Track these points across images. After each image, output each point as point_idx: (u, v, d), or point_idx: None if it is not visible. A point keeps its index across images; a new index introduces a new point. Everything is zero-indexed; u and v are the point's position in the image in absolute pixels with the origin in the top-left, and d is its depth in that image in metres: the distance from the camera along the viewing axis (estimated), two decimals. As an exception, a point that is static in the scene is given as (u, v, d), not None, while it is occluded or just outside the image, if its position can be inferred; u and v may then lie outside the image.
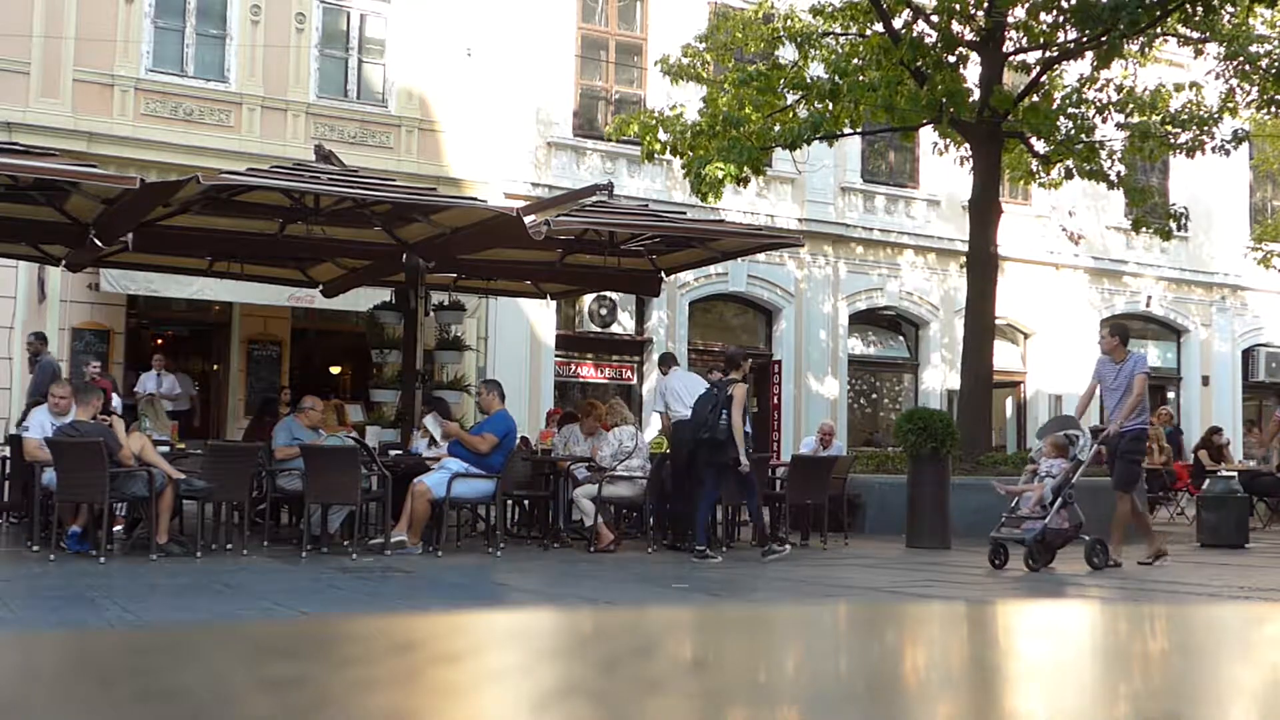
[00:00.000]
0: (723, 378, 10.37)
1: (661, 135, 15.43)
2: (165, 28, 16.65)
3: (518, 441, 11.30)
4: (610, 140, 18.09)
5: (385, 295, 13.33)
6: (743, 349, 12.26)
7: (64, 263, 12.68)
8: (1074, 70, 16.72)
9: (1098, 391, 10.10)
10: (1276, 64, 15.51)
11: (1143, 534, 10.13)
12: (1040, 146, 15.64)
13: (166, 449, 10.52)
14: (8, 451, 11.47)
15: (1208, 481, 13.20)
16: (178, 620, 6.37)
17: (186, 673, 0.74)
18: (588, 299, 18.66)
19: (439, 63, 17.82)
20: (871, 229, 21.46)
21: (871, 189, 21.74)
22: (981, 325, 14.76)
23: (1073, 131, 15.38)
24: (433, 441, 10.94)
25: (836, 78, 14.31)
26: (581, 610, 4.20)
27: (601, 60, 19.80)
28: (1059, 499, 9.25)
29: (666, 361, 12.25)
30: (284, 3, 17.12)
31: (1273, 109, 16.66)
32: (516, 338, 18.26)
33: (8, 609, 6.58)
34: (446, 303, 13.79)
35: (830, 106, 14.56)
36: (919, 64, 14.01)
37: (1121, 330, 10.33)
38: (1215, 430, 18.98)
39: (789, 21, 15.74)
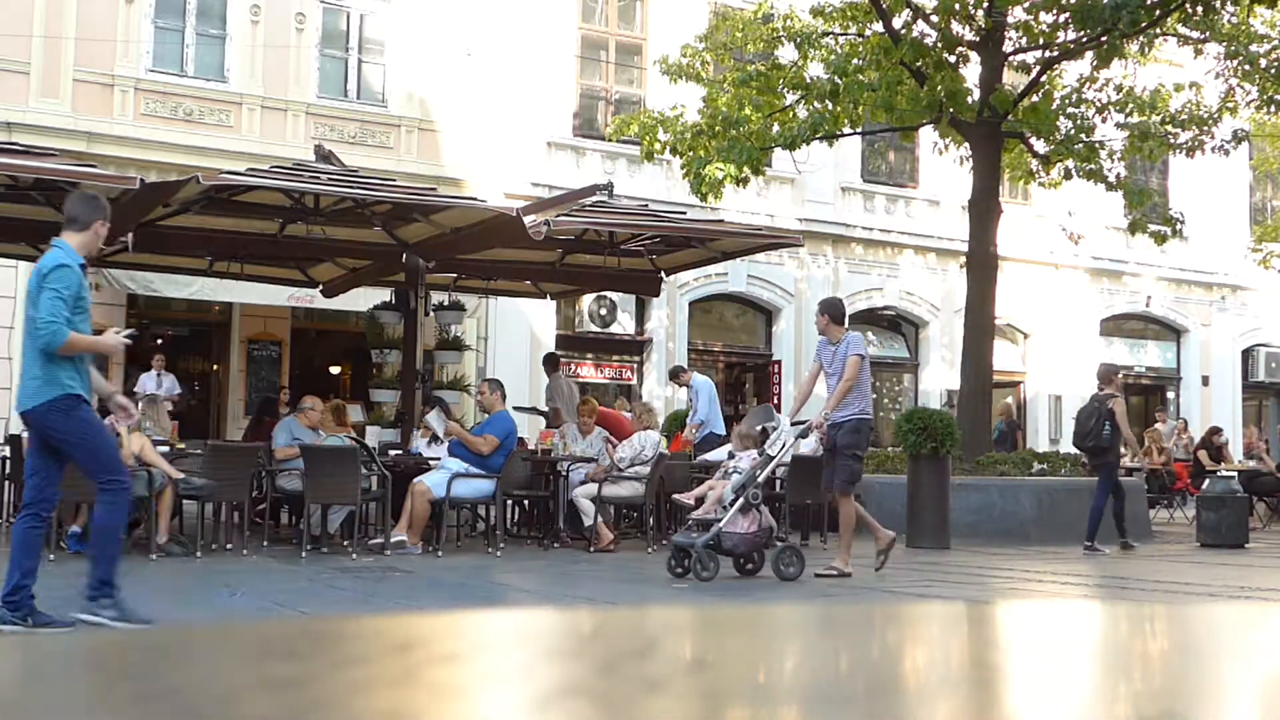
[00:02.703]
0: (1098, 392, 11.85)
1: (661, 135, 15.43)
2: (165, 28, 16.65)
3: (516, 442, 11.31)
4: (610, 140, 18.09)
5: (385, 295, 13.33)
6: (1112, 365, 13.04)
7: (64, 263, 12.66)
8: (1074, 70, 16.72)
9: (821, 376, 9.13)
10: (1276, 64, 15.50)
11: (871, 532, 9.05)
12: (1040, 146, 15.64)
13: (166, 449, 10.50)
14: (8, 451, 11.46)
15: (1208, 481, 13.20)
16: (177, 620, 6.37)
17: (186, 673, 0.74)
18: (588, 299, 18.66)
19: (439, 63, 17.81)
20: (871, 229, 21.46)
21: (871, 189, 21.74)
22: (981, 325, 14.75)
23: (1073, 131, 15.37)
24: (434, 440, 10.94)
25: (836, 78, 14.31)
26: (581, 610, 4.20)
27: (601, 60, 19.81)
28: (739, 499, 8.17)
29: (679, 373, 12.50)
30: (284, 3, 17.12)
31: (1273, 109, 16.66)
32: (516, 338, 18.26)
33: (8, 609, 6.57)
34: (446, 303, 13.79)
35: (830, 106, 14.55)
36: (919, 64, 14.00)
37: (833, 308, 9.12)
38: (1215, 430, 18.99)
39: (789, 22, 15.74)
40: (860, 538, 12.19)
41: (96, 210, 5.80)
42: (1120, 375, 13.14)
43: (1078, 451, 12.87)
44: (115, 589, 5.57)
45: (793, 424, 8.89)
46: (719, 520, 8.11)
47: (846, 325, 9.08)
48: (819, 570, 8.44)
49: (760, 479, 8.31)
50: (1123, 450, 12.24)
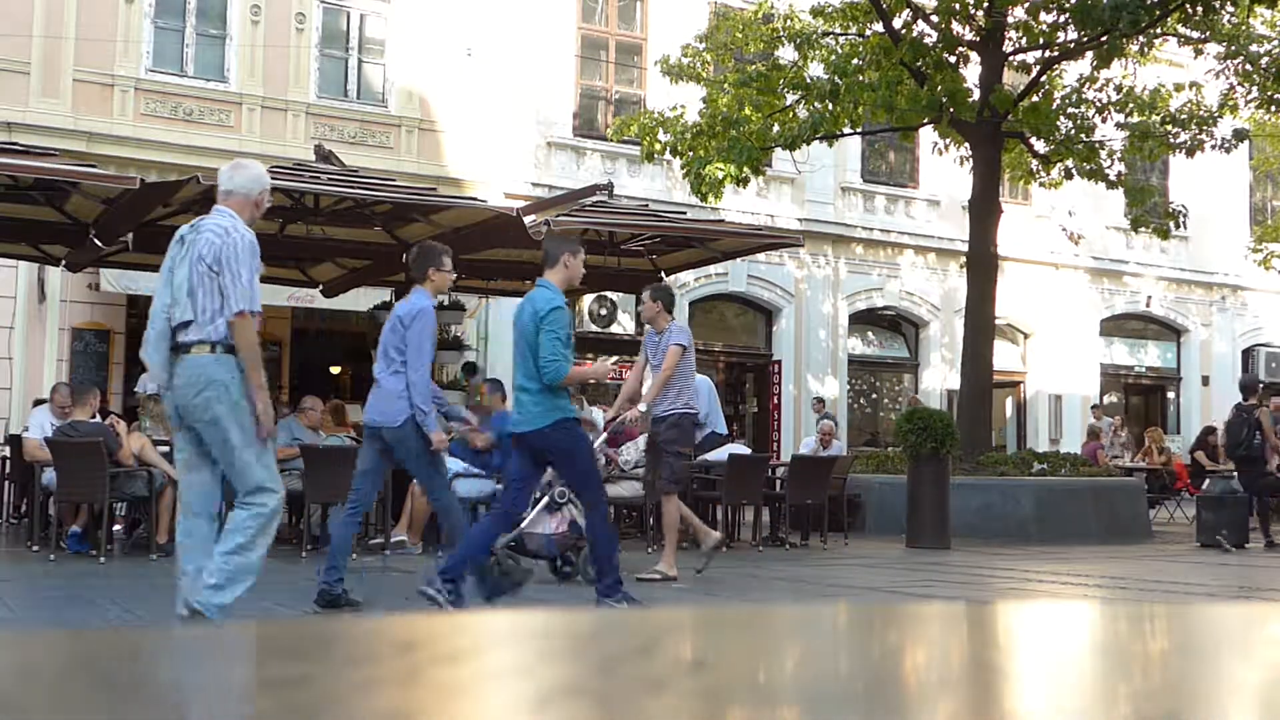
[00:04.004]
0: (1243, 403, 12.55)
1: (662, 136, 15.43)
2: (165, 28, 16.64)
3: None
4: (610, 140, 18.09)
5: (385, 295, 13.33)
6: (1254, 376, 13.61)
7: (64, 263, 12.68)
8: (1074, 70, 16.72)
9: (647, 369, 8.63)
10: (1277, 64, 15.50)
11: (694, 533, 8.75)
12: (1040, 146, 15.64)
13: (166, 449, 10.50)
14: (8, 451, 11.47)
15: (1208, 481, 13.20)
16: (177, 620, 6.37)
17: (186, 673, 0.74)
18: (588, 299, 18.66)
19: (439, 63, 17.81)
20: (871, 229, 21.47)
21: (871, 189, 21.74)
22: (981, 325, 14.75)
23: (1073, 131, 15.38)
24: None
25: (836, 78, 14.31)
26: (581, 610, 4.20)
27: (601, 60, 19.81)
28: (544, 498, 7.82)
29: None
30: (284, 3, 17.12)
31: (1273, 108, 16.66)
32: (516, 338, 18.24)
33: (8, 609, 6.59)
34: (446, 303, 13.78)
35: (830, 106, 14.55)
36: (919, 64, 14.01)
37: (665, 294, 8.61)
38: (1210, 430, 18.97)
39: (789, 22, 15.74)
40: (866, 537, 12.22)
41: (566, 246, 6.56)
42: (1262, 386, 14.11)
43: (1230, 461, 13.37)
44: (619, 584, 6.25)
45: (611, 420, 8.46)
46: (522, 521, 7.69)
47: (673, 315, 8.67)
48: (640, 574, 7.93)
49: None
50: (1273, 458, 12.87)
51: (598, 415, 8.39)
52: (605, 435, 8.45)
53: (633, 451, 10.93)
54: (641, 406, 8.21)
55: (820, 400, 19.33)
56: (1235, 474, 13.52)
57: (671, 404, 8.28)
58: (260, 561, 5.26)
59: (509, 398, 11.22)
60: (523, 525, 7.60)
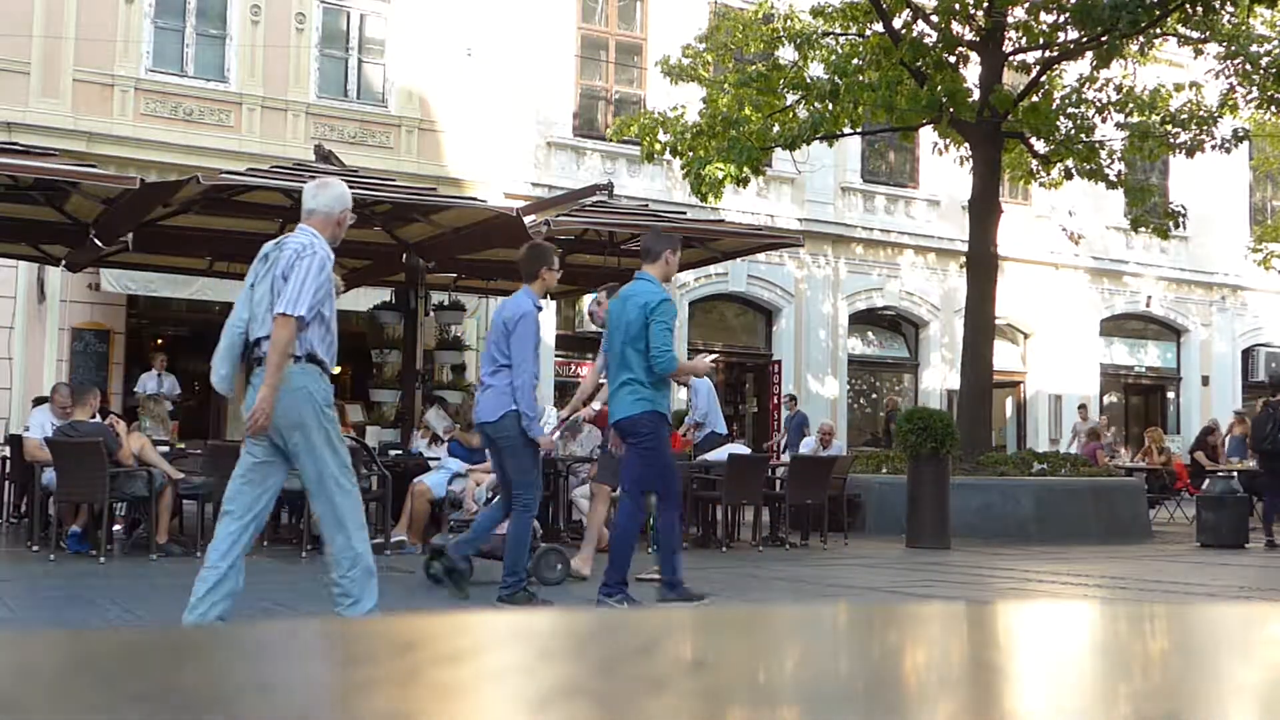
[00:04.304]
0: (1271, 399, 12.73)
1: (662, 136, 15.43)
2: (165, 28, 16.65)
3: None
4: (610, 140, 18.09)
5: (385, 295, 13.33)
6: None
7: (64, 263, 12.68)
8: (1074, 70, 16.72)
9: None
10: (1277, 64, 15.50)
11: (585, 543, 8.51)
12: (1040, 146, 15.64)
13: (166, 449, 10.52)
14: (8, 451, 11.47)
15: (1207, 481, 13.20)
16: (177, 620, 6.37)
17: (186, 673, 0.74)
18: (587, 299, 18.64)
19: (439, 63, 17.82)
20: (871, 229, 21.47)
21: (871, 189, 21.74)
22: (981, 325, 14.75)
23: (1073, 131, 15.38)
24: (434, 440, 10.93)
25: (836, 78, 14.31)
26: (581, 610, 4.20)
27: (601, 60, 19.81)
28: (495, 497, 7.70)
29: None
30: (284, 3, 17.12)
31: (1273, 108, 16.66)
32: (516, 338, 18.24)
33: (8, 609, 6.59)
34: (446, 303, 13.79)
35: (830, 106, 14.55)
36: (919, 64, 14.01)
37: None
38: (1209, 430, 18.98)
39: (789, 22, 15.74)
40: (866, 537, 12.22)
41: (667, 242, 6.73)
42: None
43: (1256, 456, 13.52)
44: (680, 583, 6.41)
45: (566, 418, 8.24)
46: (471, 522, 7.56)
47: None
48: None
49: None
50: None
51: (552, 414, 8.28)
52: (560, 432, 8.27)
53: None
54: (596, 405, 8.03)
55: (793, 398, 19.33)
56: (1256, 469, 13.61)
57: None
58: (369, 556, 5.31)
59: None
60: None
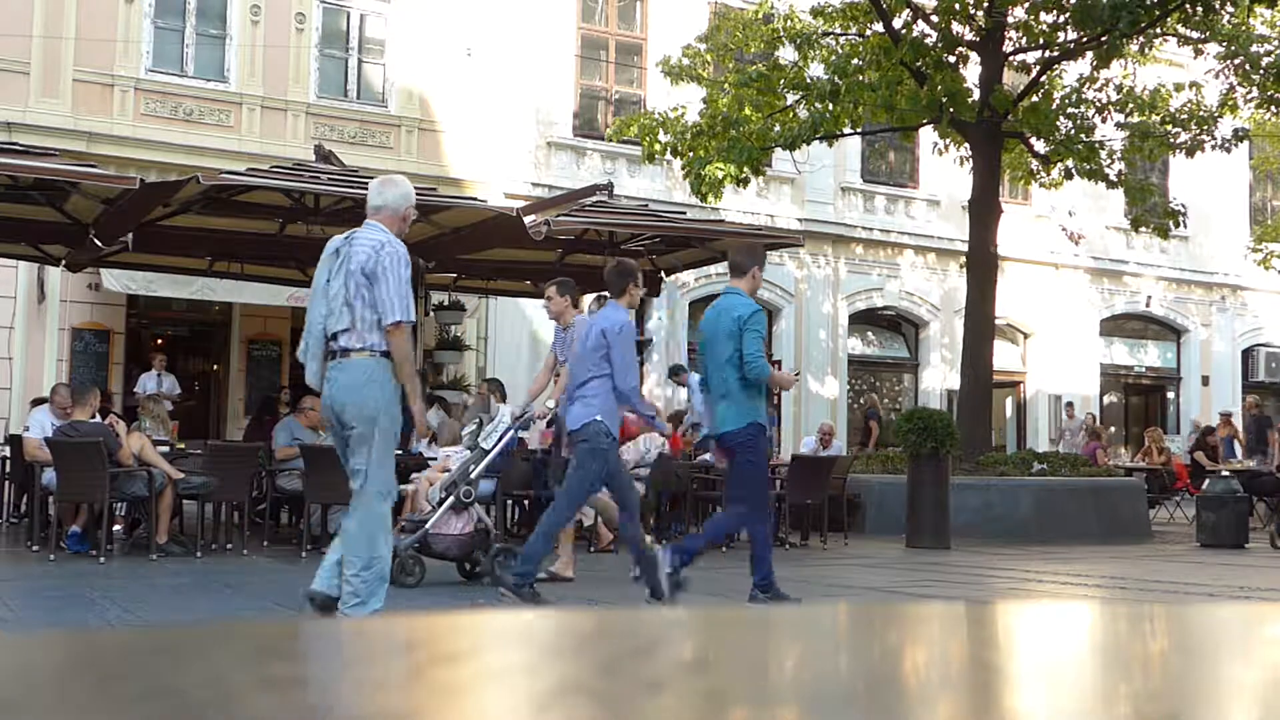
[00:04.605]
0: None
1: (662, 136, 15.43)
2: (165, 28, 16.65)
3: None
4: (610, 141, 18.09)
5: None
6: None
7: (64, 263, 12.68)
8: (1074, 70, 16.72)
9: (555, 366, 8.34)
10: (1277, 64, 15.50)
11: (558, 548, 8.33)
12: (1040, 146, 15.64)
13: (166, 449, 10.51)
14: (8, 451, 11.47)
15: (1208, 481, 13.21)
16: (178, 620, 6.37)
17: (186, 673, 0.74)
18: (588, 299, 18.63)
19: (439, 63, 17.82)
20: (871, 229, 21.47)
21: (871, 189, 21.74)
22: (981, 325, 14.75)
23: (1073, 131, 15.38)
24: (434, 440, 10.93)
25: (836, 78, 14.31)
26: (581, 610, 4.20)
27: (601, 60, 19.81)
28: (449, 497, 7.63)
29: (679, 371, 12.45)
30: (284, 3, 17.12)
31: (1273, 108, 16.65)
32: (516, 338, 18.26)
33: (8, 609, 6.59)
34: (446, 303, 13.79)
35: (830, 106, 14.55)
36: (919, 64, 14.01)
37: (571, 289, 8.42)
38: (1209, 430, 18.98)
39: (789, 22, 15.74)
40: (866, 537, 12.21)
41: (755, 258, 6.98)
42: None
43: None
44: (772, 587, 6.69)
45: (518, 416, 8.18)
46: (426, 521, 7.50)
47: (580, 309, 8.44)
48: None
49: (474, 475, 7.74)
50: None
51: (506, 411, 8.20)
52: (514, 430, 8.15)
53: (632, 452, 10.93)
54: (550, 403, 7.99)
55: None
56: (1256, 469, 13.66)
57: None
58: (388, 563, 5.49)
59: (508, 398, 11.26)
60: (427, 526, 7.50)
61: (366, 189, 10.36)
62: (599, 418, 6.69)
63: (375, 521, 5.42)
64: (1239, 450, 19.40)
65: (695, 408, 13.60)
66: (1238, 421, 20.37)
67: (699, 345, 6.99)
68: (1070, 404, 21.33)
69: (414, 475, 10.21)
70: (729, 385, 6.62)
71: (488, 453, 7.84)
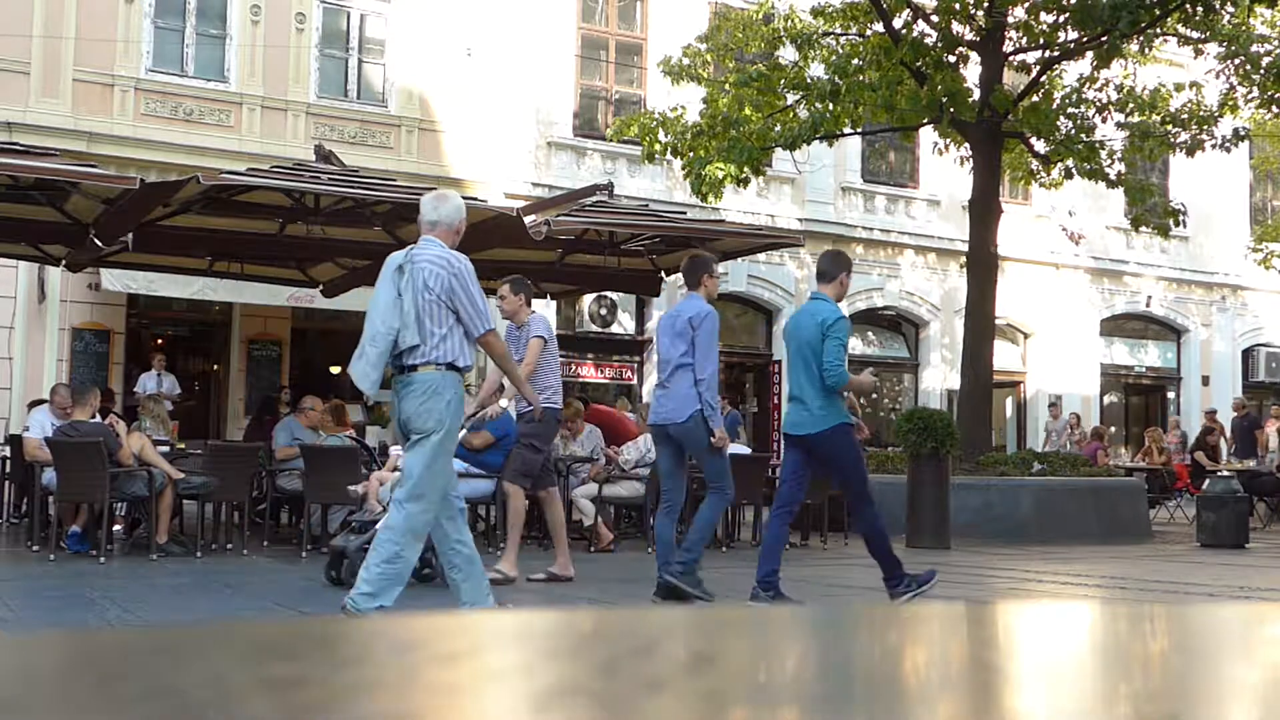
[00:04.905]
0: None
1: (662, 136, 15.43)
2: (165, 28, 16.65)
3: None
4: (610, 141, 18.10)
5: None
6: None
7: (64, 263, 12.68)
8: (1074, 70, 16.72)
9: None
10: (1277, 64, 15.50)
11: (515, 537, 8.25)
12: (1040, 146, 15.64)
13: (166, 449, 10.51)
14: (8, 451, 11.47)
15: (1208, 481, 13.21)
16: (178, 620, 6.37)
17: (186, 673, 0.74)
18: (588, 299, 18.65)
19: (439, 63, 17.82)
20: (871, 229, 21.47)
21: (871, 189, 21.74)
22: (981, 325, 14.75)
23: (1073, 131, 15.37)
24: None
25: (837, 78, 14.31)
26: (581, 610, 4.20)
27: (601, 60, 19.81)
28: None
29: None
30: (284, 3, 17.12)
31: (1273, 108, 16.66)
32: (516, 338, 18.25)
33: (8, 609, 6.59)
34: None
35: (830, 107, 14.55)
36: (919, 64, 14.01)
37: (525, 286, 8.24)
38: (1209, 431, 18.98)
39: (789, 22, 15.74)
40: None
41: (842, 265, 7.13)
42: None
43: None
44: (904, 575, 6.97)
45: (470, 415, 7.96)
46: (377, 521, 7.24)
47: (533, 308, 8.25)
48: (529, 575, 7.70)
49: None
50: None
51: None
52: (466, 427, 7.83)
53: (633, 451, 10.94)
54: (504, 402, 7.93)
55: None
56: (1256, 469, 13.64)
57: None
58: (410, 566, 5.67)
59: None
60: (378, 526, 6.95)
61: (367, 189, 10.43)
62: (699, 407, 6.88)
63: (412, 522, 5.58)
64: (1224, 450, 19.46)
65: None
66: (1224, 419, 20.39)
67: (785, 346, 7.25)
68: (1053, 404, 21.31)
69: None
70: (812, 388, 6.79)
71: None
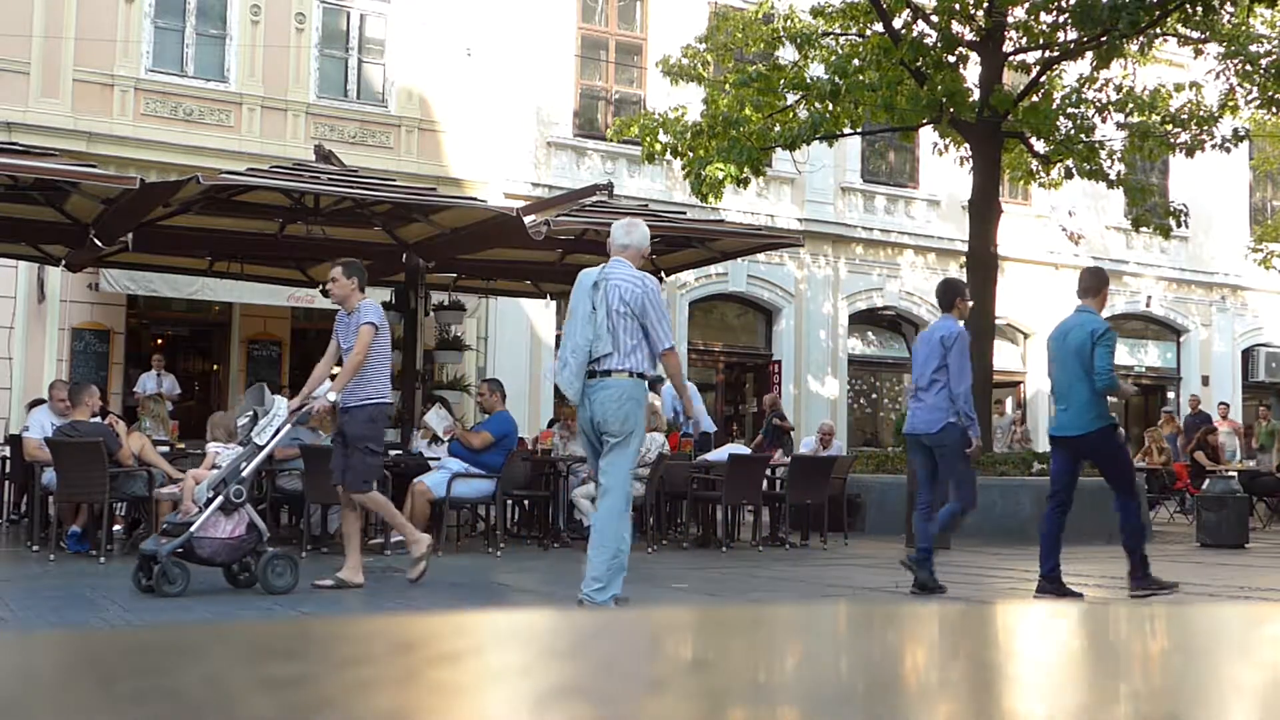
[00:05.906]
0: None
1: (662, 136, 15.43)
2: (165, 28, 16.65)
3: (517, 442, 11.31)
4: (610, 141, 18.10)
5: (385, 295, 13.33)
6: None
7: (64, 263, 12.68)
8: (1074, 70, 16.72)
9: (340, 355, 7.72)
10: (1277, 64, 15.50)
11: (405, 538, 7.96)
12: (1040, 146, 15.64)
13: (166, 449, 10.52)
14: (8, 451, 11.47)
15: (1208, 481, 13.20)
16: (178, 620, 6.37)
17: (186, 673, 0.74)
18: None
19: (439, 63, 17.82)
20: (871, 229, 21.47)
21: (871, 189, 21.74)
22: (981, 325, 14.74)
23: (1073, 131, 15.38)
24: (434, 440, 10.93)
25: (837, 78, 14.31)
26: (581, 610, 4.20)
27: (601, 60, 19.81)
28: (217, 497, 6.96)
29: (656, 384, 12.33)
30: (284, 3, 17.12)
31: (1273, 108, 16.66)
32: (516, 338, 18.27)
33: (8, 609, 6.59)
34: (446, 303, 13.79)
35: (830, 107, 14.55)
36: (919, 64, 14.01)
37: (358, 270, 7.69)
38: (1209, 431, 18.97)
39: (789, 22, 15.74)
40: (866, 537, 12.20)
41: (1101, 280, 7.81)
42: None
43: None
44: (1144, 576, 7.49)
45: (296, 409, 7.61)
46: (191, 524, 6.87)
47: (367, 294, 7.82)
48: (316, 580, 7.40)
49: (246, 473, 7.07)
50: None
51: (282, 404, 7.61)
52: (292, 423, 7.67)
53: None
54: (331, 395, 7.40)
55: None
56: (1256, 469, 13.60)
57: (364, 394, 7.48)
58: (626, 553, 6.25)
59: (507, 397, 11.26)
60: (192, 529, 6.86)
61: (367, 189, 10.44)
62: (952, 420, 7.58)
63: (621, 515, 6.23)
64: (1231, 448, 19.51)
65: (664, 414, 13.33)
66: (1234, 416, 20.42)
67: (1049, 356, 7.77)
68: (1000, 401, 21.24)
69: (415, 479, 10.23)
70: (1080, 393, 7.36)
71: (261, 449, 7.21)
